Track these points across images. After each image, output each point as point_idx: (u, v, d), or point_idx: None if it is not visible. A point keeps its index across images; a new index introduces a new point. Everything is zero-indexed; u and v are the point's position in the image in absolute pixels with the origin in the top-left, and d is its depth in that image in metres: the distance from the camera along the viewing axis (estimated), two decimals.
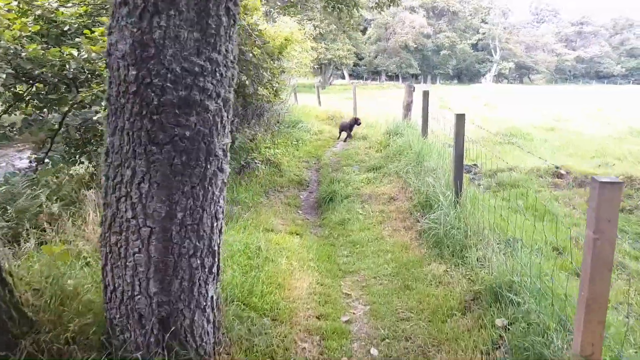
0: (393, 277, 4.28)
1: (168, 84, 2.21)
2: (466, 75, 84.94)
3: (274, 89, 8.11)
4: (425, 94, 8.63)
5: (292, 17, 12.19)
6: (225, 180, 2.60)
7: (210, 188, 2.47)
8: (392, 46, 71.53)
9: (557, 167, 7.60)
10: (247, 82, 6.83)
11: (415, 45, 71.08)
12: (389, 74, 79.50)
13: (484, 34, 79.82)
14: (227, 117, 2.53)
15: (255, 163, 7.61)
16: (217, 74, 2.37)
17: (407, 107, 10.87)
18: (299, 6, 12.70)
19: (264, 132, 9.67)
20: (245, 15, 9.70)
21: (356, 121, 11.68)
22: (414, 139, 8.39)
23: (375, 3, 8.08)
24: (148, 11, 2.14)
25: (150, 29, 2.15)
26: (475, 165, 8.30)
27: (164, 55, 2.18)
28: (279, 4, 12.98)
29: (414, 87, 10.87)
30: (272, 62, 7.82)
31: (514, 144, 11.07)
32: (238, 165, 7.59)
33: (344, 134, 11.68)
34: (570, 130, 14.72)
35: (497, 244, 4.05)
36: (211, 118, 2.39)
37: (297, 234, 5.67)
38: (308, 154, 9.97)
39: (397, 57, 72.60)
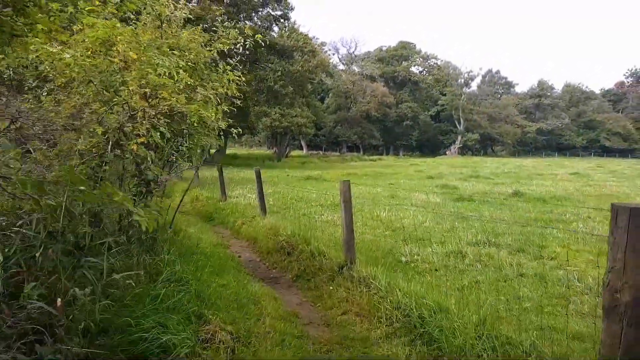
0: None
1: None
2: (428, 146, 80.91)
3: None
4: None
5: None
6: None
7: None
8: (353, 115, 66.06)
9: None
10: None
11: (377, 115, 65.94)
12: (349, 144, 73.65)
13: (442, 105, 76.90)
14: None
15: None
16: None
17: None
18: None
19: None
20: None
21: None
22: None
23: None
24: None
25: None
26: None
27: None
28: None
29: None
30: None
31: None
32: None
33: None
34: None
35: None
36: None
37: None
38: None
39: (358, 127, 66.97)
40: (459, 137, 74.98)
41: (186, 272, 4.24)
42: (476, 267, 5.88)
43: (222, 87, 4.53)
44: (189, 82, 4.03)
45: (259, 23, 34.41)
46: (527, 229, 8.62)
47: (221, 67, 4.65)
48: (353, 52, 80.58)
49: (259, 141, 73.22)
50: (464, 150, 76.94)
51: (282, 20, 35.71)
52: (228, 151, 55.03)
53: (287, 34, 34.13)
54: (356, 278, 4.91)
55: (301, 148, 67.36)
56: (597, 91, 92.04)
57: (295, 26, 36.97)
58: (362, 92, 65.26)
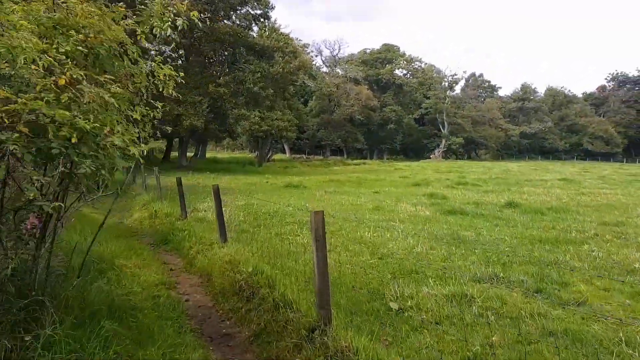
0: None
1: None
2: (412, 150, 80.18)
3: None
4: None
5: None
6: None
7: None
8: (336, 119, 64.79)
9: None
10: None
11: (361, 118, 64.81)
12: (333, 148, 72.37)
13: (426, 109, 76.22)
14: None
15: None
16: None
17: None
18: None
19: None
20: None
21: None
22: None
23: None
24: None
25: None
26: None
27: None
28: None
29: None
30: None
31: None
32: None
33: None
34: None
35: None
36: None
37: None
38: None
39: (342, 131, 65.74)
40: (443, 141, 74.44)
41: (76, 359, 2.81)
42: (488, 319, 4.58)
43: (138, 83, 3.13)
44: (77, 76, 2.63)
45: (238, 22, 32.87)
46: (536, 254, 7.40)
47: (133, 52, 3.22)
48: (337, 54, 79.50)
49: (241, 144, 71.38)
50: (448, 153, 76.39)
51: (262, 19, 34.20)
52: (208, 154, 53.21)
53: (266, 34, 32.67)
54: (331, 349, 3.54)
55: (284, 151, 65.85)
56: (580, 95, 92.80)
57: (276, 26, 35.55)
58: (346, 95, 64.10)
